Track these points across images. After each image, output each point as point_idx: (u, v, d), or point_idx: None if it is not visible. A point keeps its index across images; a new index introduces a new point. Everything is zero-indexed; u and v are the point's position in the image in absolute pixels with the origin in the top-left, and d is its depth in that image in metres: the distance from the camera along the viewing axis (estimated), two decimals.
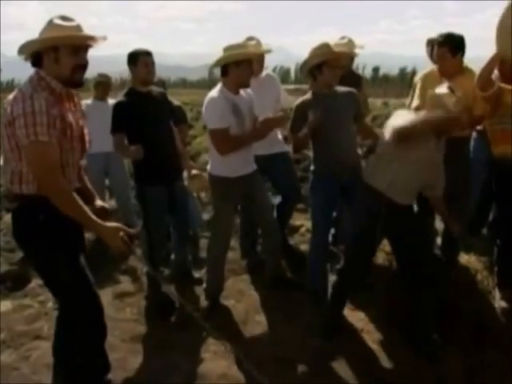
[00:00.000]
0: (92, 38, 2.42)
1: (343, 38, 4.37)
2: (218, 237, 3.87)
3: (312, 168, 3.85)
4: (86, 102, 5.20)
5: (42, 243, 2.43)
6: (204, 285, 3.95)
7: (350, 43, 4.28)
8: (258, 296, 4.00)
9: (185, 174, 4.14)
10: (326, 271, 3.99)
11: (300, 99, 3.72)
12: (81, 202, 2.33)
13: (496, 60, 3.31)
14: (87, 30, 2.44)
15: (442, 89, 3.00)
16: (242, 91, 3.66)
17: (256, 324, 3.60)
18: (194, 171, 4.16)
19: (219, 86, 3.62)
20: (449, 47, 3.69)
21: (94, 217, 2.37)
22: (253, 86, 3.76)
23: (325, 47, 3.61)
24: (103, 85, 5.23)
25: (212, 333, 3.29)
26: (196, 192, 4.41)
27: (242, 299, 3.94)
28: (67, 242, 2.47)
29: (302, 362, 3.12)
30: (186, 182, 4.14)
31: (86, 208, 2.36)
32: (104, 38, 2.44)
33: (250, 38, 4.27)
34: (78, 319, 2.58)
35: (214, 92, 3.60)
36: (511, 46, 3.12)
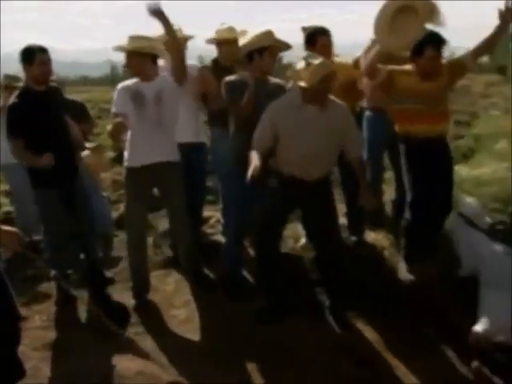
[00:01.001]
0: None
1: (223, 24, 4.35)
2: (131, 235, 3.81)
3: (230, 154, 3.71)
4: None
5: None
6: (131, 283, 3.88)
7: (231, 29, 4.26)
8: (172, 290, 3.97)
9: (84, 153, 4.05)
10: (240, 259, 4.02)
11: (231, 77, 3.62)
12: None
13: (378, 54, 3.44)
14: None
15: (301, 63, 3.13)
16: (159, 79, 3.63)
17: (173, 318, 3.59)
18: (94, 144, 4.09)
19: None
20: None
21: None
22: None
23: (270, 34, 3.58)
24: (12, 88, 4.72)
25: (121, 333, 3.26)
26: (92, 171, 4.29)
27: (156, 294, 3.89)
28: None
29: (223, 352, 3.15)
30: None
31: None
32: None
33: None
34: None
35: (126, 81, 3.71)
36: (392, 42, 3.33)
